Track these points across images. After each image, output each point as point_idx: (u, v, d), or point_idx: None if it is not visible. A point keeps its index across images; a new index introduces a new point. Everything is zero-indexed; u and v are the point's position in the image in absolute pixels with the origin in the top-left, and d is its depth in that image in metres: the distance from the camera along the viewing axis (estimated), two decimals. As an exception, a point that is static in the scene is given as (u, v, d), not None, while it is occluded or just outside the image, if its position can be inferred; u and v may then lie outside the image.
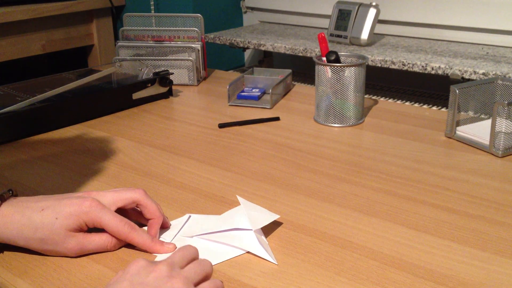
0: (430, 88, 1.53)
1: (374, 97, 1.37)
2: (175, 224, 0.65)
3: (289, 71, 1.23)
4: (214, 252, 0.59)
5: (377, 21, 1.47)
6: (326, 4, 1.68)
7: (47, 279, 0.55)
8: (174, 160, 0.85)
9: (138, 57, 1.26)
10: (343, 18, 1.51)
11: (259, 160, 0.84)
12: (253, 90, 1.17)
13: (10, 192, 0.61)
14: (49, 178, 0.79)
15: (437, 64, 1.24)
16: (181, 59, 1.25)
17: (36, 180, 0.78)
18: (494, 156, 0.83)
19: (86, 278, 0.55)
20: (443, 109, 1.25)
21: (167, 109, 1.11)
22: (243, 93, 1.15)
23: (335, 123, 0.98)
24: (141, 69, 1.16)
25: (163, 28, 1.28)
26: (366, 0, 1.51)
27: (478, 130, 0.88)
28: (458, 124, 0.91)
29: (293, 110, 1.08)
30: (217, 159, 0.84)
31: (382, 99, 1.37)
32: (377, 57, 1.34)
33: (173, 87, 1.19)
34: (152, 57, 1.26)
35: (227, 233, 0.62)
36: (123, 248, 0.60)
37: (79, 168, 0.82)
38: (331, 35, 1.54)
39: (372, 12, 1.45)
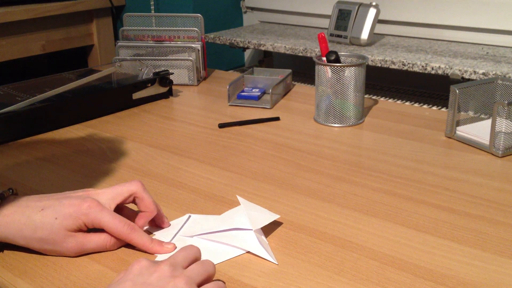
0: (430, 88, 1.53)
1: (374, 97, 1.37)
2: (175, 224, 0.65)
3: (289, 71, 1.23)
4: (214, 252, 0.59)
5: (377, 21, 1.48)
6: (326, 4, 1.68)
7: (47, 279, 0.55)
8: (174, 160, 0.85)
9: (138, 57, 1.26)
10: (343, 18, 1.51)
11: (259, 160, 0.84)
12: (253, 90, 1.17)
13: (10, 191, 0.61)
14: (49, 178, 0.79)
15: (437, 64, 1.24)
16: (181, 59, 1.25)
17: (36, 180, 0.78)
18: (494, 156, 0.84)
19: (86, 278, 0.55)
20: (443, 109, 1.25)
21: (167, 109, 1.11)
22: (243, 93, 1.15)
23: (335, 123, 0.98)
24: (141, 69, 1.16)
25: (163, 28, 1.28)
26: (366, 0, 1.51)
27: (478, 130, 0.88)
28: (458, 124, 0.91)
29: (293, 110, 1.08)
30: (217, 159, 0.84)
31: (382, 99, 1.37)
32: (377, 57, 1.34)
33: (173, 87, 1.19)
34: (152, 57, 1.26)
35: (227, 233, 0.62)
36: (123, 248, 0.60)
37: (79, 168, 0.82)
38: (331, 35, 1.54)
39: (372, 12, 1.46)
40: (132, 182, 0.62)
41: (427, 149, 0.87)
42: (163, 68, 1.22)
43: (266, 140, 0.92)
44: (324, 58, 0.99)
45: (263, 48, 1.57)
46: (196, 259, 0.53)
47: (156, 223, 0.64)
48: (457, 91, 0.88)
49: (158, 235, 0.62)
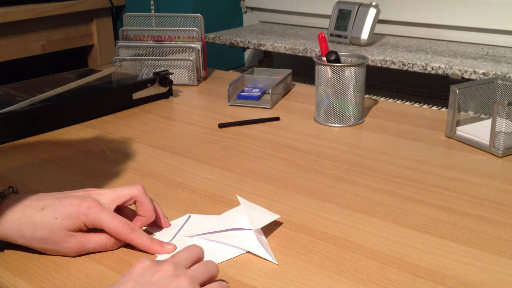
0: (430, 88, 1.53)
1: (374, 97, 1.37)
2: (175, 224, 0.65)
3: (289, 71, 1.23)
4: (214, 252, 0.59)
5: (377, 21, 1.47)
6: (326, 4, 1.68)
7: (47, 279, 0.55)
8: (174, 160, 0.85)
9: (138, 57, 1.26)
10: (343, 18, 1.51)
11: (259, 160, 0.84)
12: (253, 90, 1.17)
13: (11, 189, 0.61)
14: (49, 178, 0.79)
15: (437, 64, 1.24)
16: (181, 59, 1.25)
17: (36, 180, 0.78)
18: (494, 156, 0.84)
19: (86, 278, 0.55)
20: (443, 109, 1.25)
21: (167, 109, 1.11)
22: (243, 93, 1.15)
23: (335, 123, 0.98)
24: (141, 69, 1.16)
25: (163, 28, 1.28)
26: (366, 0, 1.51)
27: (478, 130, 0.88)
28: (458, 124, 0.91)
29: (293, 110, 1.08)
30: (217, 159, 0.84)
31: (382, 99, 1.37)
32: (377, 57, 1.34)
33: (173, 87, 1.19)
34: (152, 57, 1.26)
35: (227, 233, 0.62)
36: (123, 248, 0.60)
37: (79, 168, 0.82)
38: (331, 35, 1.54)
39: (372, 12, 1.46)
40: (134, 186, 0.61)
41: (427, 149, 0.87)
42: (163, 68, 1.22)
43: (266, 140, 0.92)
44: (324, 58, 0.99)
45: (263, 48, 1.57)
46: (199, 259, 0.53)
47: (157, 224, 0.64)
48: (457, 91, 0.88)
49: (158, 235, 0.62)
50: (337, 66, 0.95)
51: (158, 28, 1.29)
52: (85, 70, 1.23)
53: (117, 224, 0.57)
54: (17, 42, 1.61)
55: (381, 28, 1.60)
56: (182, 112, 1.09)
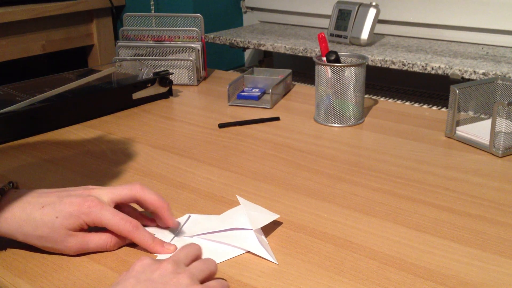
0: (430, 88, 1.53)
1: (374, 97, 1.37)
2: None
3: (289, 71, 1.23)
4: (214, 252, 0.59)
5: (377, 21, 1.48)
6: (326, 4, 1.68)
7: (47, 279, 0.55)
8: (174, 160, 0.85)
9: (138, 57, 1.26)
10: (343, 18, 1.51)
11: (259, 160, 0.84)
12: (253, 90, 1.17)
13: (11, 184, 0.61)
14: (49, 178, 0.79)
15: (437, 64, 1.24)
16: (181, 59, 1.25)
17: (36, 180, 0.78)
18: (494, 156, 0.84)
19: (86, 278, 0.55)
20: (443, 109, 1.25)
21: (167, 109, 1.11)
22: (243, 93, 1.15)
23: (335, 123, 0.98)
24: (141, 69, 1.16)
25: (163, 28, 1.28)
26: (366, 0, 1.51)
27: (478, 130, 0.88)
28: (458, 124, 0.91)
29: (293, 110, 1.08)
30: (217, 159, 0.84)
31: (382, 99, 1.37)
32: (377, 57, 1.34)
33: (173, 87, 1.19)
34: (152, 57, 1.26)
35: (227, 233, 0.62)
36: (123, 248, 0.60)
37: (79, 168, 0.82)
38: (331, 35, 1.54)
39: (372, 12, 1.46)
40: (132, 186, 0.60)
41: (427, 149, 0.87)
42: (163, 68, 1.22)
43: (266, 140, 0.92)
44: (324, 58, 0.99)
45: (263, 48, 1.57)
46: (198, 257, 0.53)
47: (163, 222, 0.62)
48: (457, 91, 0.88)
49: (158, 235, 0.62)
50: (337, 66, 0.95)
51: (158, 28, 1.29)
52: (85, 70, 1.23)
53: (119, 221, 0.57)
54: (17, 42, 1.61)
55: (381, 28, 1.60)
56: (182, 112, 1.09)
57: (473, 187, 0.73)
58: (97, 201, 0.58)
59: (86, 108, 1.03)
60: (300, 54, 1.48)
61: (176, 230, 0.63)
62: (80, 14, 1.77)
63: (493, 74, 1.15)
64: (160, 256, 0.58)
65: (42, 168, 0.82)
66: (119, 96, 1.09)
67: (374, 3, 1.46)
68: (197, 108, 1.13)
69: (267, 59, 1.88)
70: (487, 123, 0.86)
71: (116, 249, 0.60)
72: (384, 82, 1.61)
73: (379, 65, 1.34)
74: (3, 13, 1.54)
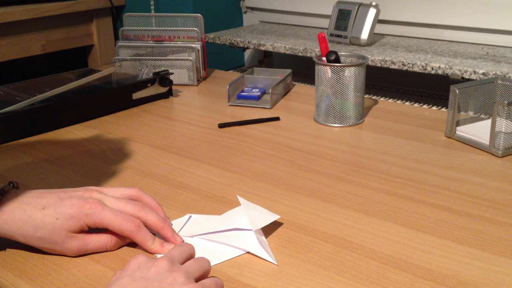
0: (430, 88, 1.53)
1: (374, 97, 1.37)
2: (175, 224, 0.65)
3: (289, 71, 1.23)
4: (214, 252, 0.59)
5: (377, 21, 1.48)
6: (326, 4, 1.68)
7: (47, 279, 0.55)
8: (174, 160, 0.85)
9: (138, 57, 1.26)
10: (343, 18, 1.51)
11: (259, 160, 0.84)
12: (253, 90, 1.17)
13: (11, 185, 0.61)
14: (49, 178, 0.79)
15: (437, 64, 1.24)
16: (181, 59, 1.25)
17: (36, 180, 0.78)
18: (494, 156, 0.84)
19: (86, 278, 0.55)
20: (443, 109, 1.25)
21: (167, 109, 1.11)
22: (243, 93, 1.15)
23: (335, 123, 0.98)
24: (141, 69, 1.16)
25: (163, 28, 1.28)
26: (366, 0, 1.51)
27: (478, 130, 0.88)
28: (458, 124, 0.91)
29: (293, 110, 1.08)
30: (217, 159, 0.84)
31: (382, 99, 1.37)
32: (377, 57, 1.34)
33: (173, 87, 1.19)
34: (152, 57, 1.26)
35: (227, 233, 0.62)
36: (123, 248, 0.60)
37: (79, 168, 0.82)
38: (331, 35, 1.54)
39: (372, 12, 1.46)
40: (131, 188, 0.63)
41: (427, 149, 0.87)
42: (163, 68, 1.22)
43: (266, 140, 0.92)
44: (324, 58, 0.99)
45: (263, 48, 1.57)
46: (191, 256, 0.54)
47: (165, 238, 0.61)
48: (457, 91, 0.88)
49: (158, 235, 0.62)
50: (337, 66, 0.95)
51: (158, 28, 1.29)
52: (85, 70, 1.23)
53: (121, 221, 0.57)
54: (17, 42, 1.61)
55: (381, 28, 1.60)
56: (182, 112, 1.09)
57: (473, 187, 0.73)
58: (97, 202, 0.58)
59: (86, 108, 1.03)
60: (300, 54, 1.48)
61: (176, 230, 0.63)
62: (80, 14, 1.77)
63: (493, 74, 1.15)
64: (159, 256, 0.58)
65: (42, 168, 0.82)
66: (119, 96, 1.09)
67: (374, 3, 1.46)
68: (197, 108, 1.13)
69: (267, 59, 1.88)
70: (487, 123, 0.86)
71: (116, 249, 0.60)
72: (384, 82, 1.61)
73: (379, 65, 1.34)
74: (3, 13, 1.54)
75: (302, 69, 1.78)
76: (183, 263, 0.51)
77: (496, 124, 0.82)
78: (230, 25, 1.93)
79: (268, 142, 0.91)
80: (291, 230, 0.63)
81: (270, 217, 0.63)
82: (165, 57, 1.26)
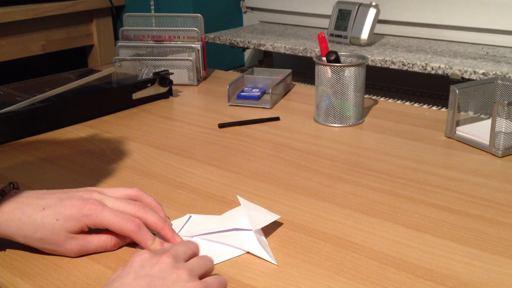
0: (430, 88, 1.53)
1: (374, 97, 1.37)
2: (175, 224, 0.65)
3: (289, 71, 1.23)
4: (214, 252, 0.59)
5: (377, 21, 1.48)
6: (326, 4, 1.68)
7: (47, 279, 0.55)
8: (174, 160, 0.85)
9: (138, 57, 1.26)
10: (343, 18, 1.51)
11: (259, 160, 0.84)
12: (253, 90, 1.17)
13: (11, 185, 0.61)
14: (49, 178, 0.79)
15: (437, 64, 1.24)
16: (181, 59, 1.25)
17: (36, 180, 0.78)
18: (494, 156, 0.84)
19: (86, 278, 0.55)
20: (443, 109, 1.25)
21: (167, 109, 1.11)
22: (243, 93, 1.15)
23: (335, 123, 0.98)
24: (141, 69, 1.16)
25: (163, 28, 1.28)
26: (366, 0, 1.51)
27: (478, 130, 0.88)
28: (458, 124, 0.91)
29: (293, 110, 1.08)
30: (217, 159, 0.84)
31: (382, 99, 1.37)
32: (377, 57, 1.34)
33: (173, 87, 1.19)
34: (152, 57, 1.26)
35: (227, 233, 0.62)
36: (123, 248, 0.60)
37: (79, 168, 0.82)
38: (331, 35, 1.54)
39: (372, 12, 1.46)
40: (131, 187, 0.62)
41: (427, 149, 0.87)
42: (163, 68, 1.22)
43: (266, 140, 0.92)
44: (324, 58, 0.99)
45: (263, 48, 1.57)
46: (195, 253, 0.54)
47: (165, 238, 0.61)
48: (457, 91, 0.88)
49: (159, 235, 0.62)
50: (337, 66, 0.95)
51: (158, 28, 1.29)
52: (85, 70, 1.23)
53: (121, 221, 0.57)
54: (17, 42, 1.61)
55: (381, 28, 1.60)
56: (182, 112, 1.09)
57: (473, 187, 0.73)
58: (97, 203, 0.57)
59: (86, 108, 1.03)
60: (300, 54, 1.48)
61: (176, 230, 0.63)
62: (80, 14, 1.77)
63: (493, 74, 1.15)
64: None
65: (42, 168, 0.82)
66: (119, 96, 1.09)
67: (374, 3, 1.46)
68: (197, 108, 1.13)
69: (267, 59, 1.88)
70: (487, 123, 0.86)
71: (116, 249, 0.60)
72: (384, 82, 1.61)
73: (379, 65, 1.34)
74: (3, 13, 1.54)
75: (302, 69, 1.78)
76: (187, 260, 0.51)
77: (496, 124, 0.82)
78: (230, 25, 1.93)
79: (268, 142, 0.91)
80: (291, 230, 0.63)
81: (270, 217, 0.63)
82: (165, 57, 1.26)
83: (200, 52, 1.26)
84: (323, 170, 0.80)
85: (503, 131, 0.82)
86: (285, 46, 1.51)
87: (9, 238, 0.57)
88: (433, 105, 1.36)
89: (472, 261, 0.57)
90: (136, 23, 1.32)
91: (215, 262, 0.57)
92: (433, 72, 1.25)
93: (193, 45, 1.26)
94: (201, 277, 0.50)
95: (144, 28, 1.29)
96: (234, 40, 1.63)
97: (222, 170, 0.80)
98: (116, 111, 1.08)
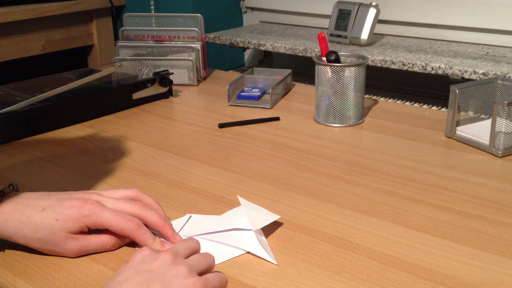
0: (430, 88, 1.53)
1: (374, 97, 1.37)
2: (175, 224, 0.65)
3: (289, 71, 1.23)
4: (214, 252, 0.59)
5: (377, 21, 1.47)
6: (326, 4, 1.68)
7: (47, 279, 0.55)
8: (174, 160, 0.85)
9: (138, 57, 1.26)
10: (343, 18, 1.51)
11: (259, 160, 0.84)
12: (253, 90, 1.17)
13: (11, 187, 0.61)
14: (49, 178, 0.79)
15: (437, 64, 1.24)
16: (181, 59, 1.25)
17: (36, 180, 0.78)
18: (494, 156, 0.84)
19: (86, 278, 0.55)
20: (443, 109, 1.25)
21: (167, 109, 1.11)
22: (243, 93, 1.15)
23: (335, 123, 0.98)
24: (141, 69, 1.16)
25: (163, 28, 1.28)
26: (366, 0, 1.51)
27: (478, 130, 0.88)
28: (458, 124, 0.91)
29: (293, 110, 1.08)
30: (217, 159, 0.84)
31: (382, 99, 1.37)
32: (377, 57, 1.34)
33: (173, 87, 1.19)
34: (152, 57, 1.26)
35: (227, 233, 0.62)
36: (123, 248, 0.60)
37: (79, 168, 0.82)
38: (331, 35, 1.54)
39: (372, 12, 1.45)
40: (131, 188, 0.63)
41: (427, 149, 0.87)
42: (163, 68, 1.22)
43: (266, 140, 0.92)
44: (324, 58, 0.99)
45: (263, 48, 1.57)
46: (196, 251, 0.54)
47: (165, 237, 0.61)
48: (457, 91, 0.88)
49: (159, 235, 0.62)
50: (337, 66, 0.95)
51: (158, 28, 1.29)
52: (85, 70, 1.23)
53: (121, 221, 0.57)
54: (17, 42, 1.61)
55: (381, 28, 1.60)
56: (182, 112, 1.09)
57: (473, 187, 0.73)
58: (97, 203, 0.58)
59: (86, 108, 1.03)
60: (300, 54, 1.48)
61: (176, 230, 0.63)
62: (80, 14, 1.77)
63: (493, 74, 1.15)
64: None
65: (42, 168, 0.82)
66: (119, 96, 1.09)
67: (374, 3, 1.46)
68: (197, 108, 1.13)
69: (267, 59, 1.88)
70: (487, 123, 0.86)
71: (115, 249, 0.60)
72: (384, 82, 1.61)
73: (379, 65, 1.34)
74: (3, 13, 1.54)
75: (302, 69, 1.78)
76: (187, 257, 0.52)
77: (496, 124, 0.82)
78: (230, 25, 1.93)
79: (268, 142, 0.91)
80: (291, 230, 0.63)
81: (270, 217, 0.63)
82: (165, 57, 1.26)
83: (200, 52, 1.26)
84: (323, 170, 0.80)
85: (503, 131, 0.82)
86: (285, 46, 1.51)
87: (9, 239, 0.58)
88: (433, 105, 1.36)
89: (472, 261, 0.57)
90: (136, 23, 1.32)
91: (215, 262, 0.57)
92: (433, 72, 1.25)
93: (193, 45, 1.26)
94: (201, 273, 0.50)
95: (144, 28, 1.29)
96: (234, 40, 1.63)
97: (222, 170, 0.80)
98: (116, 111, 1.08)
